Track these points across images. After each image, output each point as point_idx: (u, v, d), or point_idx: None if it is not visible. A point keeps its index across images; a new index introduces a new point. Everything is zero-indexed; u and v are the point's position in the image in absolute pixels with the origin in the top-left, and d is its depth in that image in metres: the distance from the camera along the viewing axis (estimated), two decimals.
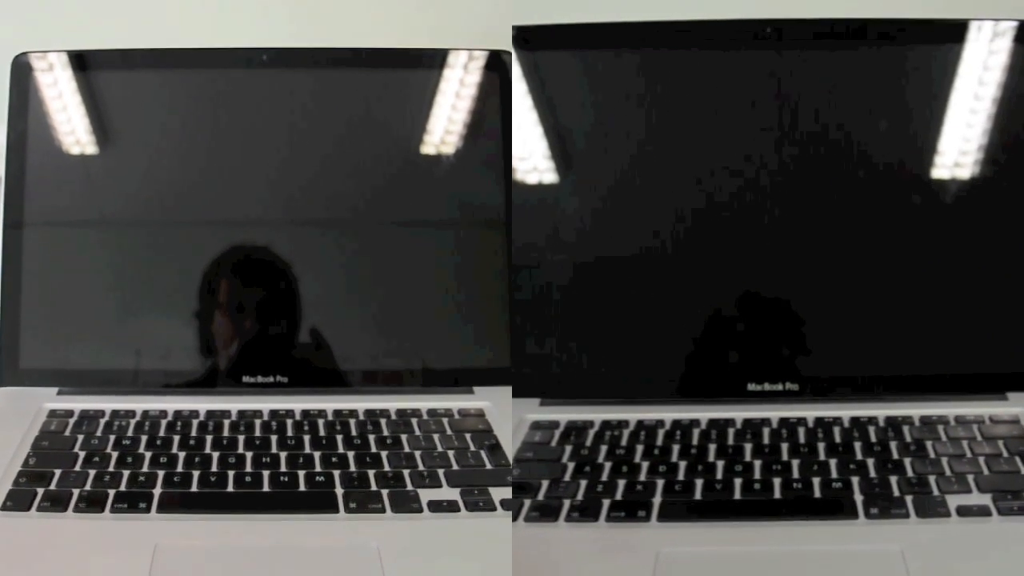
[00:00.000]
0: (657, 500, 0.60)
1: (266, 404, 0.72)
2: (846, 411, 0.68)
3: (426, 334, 0.76)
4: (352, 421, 0.70)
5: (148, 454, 0.66)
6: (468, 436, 0.68)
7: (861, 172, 0.71)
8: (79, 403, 0.72)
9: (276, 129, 0.77)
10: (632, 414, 0.70)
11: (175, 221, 0.76)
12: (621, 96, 0.74)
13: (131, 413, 0.71)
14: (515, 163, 0.75)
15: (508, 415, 0.71)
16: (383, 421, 0.70)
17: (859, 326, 0.71)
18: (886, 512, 0.57)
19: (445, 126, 0.78)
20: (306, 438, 0.68)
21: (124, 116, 0.77)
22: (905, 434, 0.65)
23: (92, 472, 0.63)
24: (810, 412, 0.68)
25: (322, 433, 0.69)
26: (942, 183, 0.71)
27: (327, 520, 0.60)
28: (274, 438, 0.68)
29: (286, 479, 0.63)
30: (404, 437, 0.68)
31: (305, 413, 0.71)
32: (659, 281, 0.73)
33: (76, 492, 0.61)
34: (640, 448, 0.65)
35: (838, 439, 0.65)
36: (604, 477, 0.62)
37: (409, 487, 0.63)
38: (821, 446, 0.65)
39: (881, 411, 0.68)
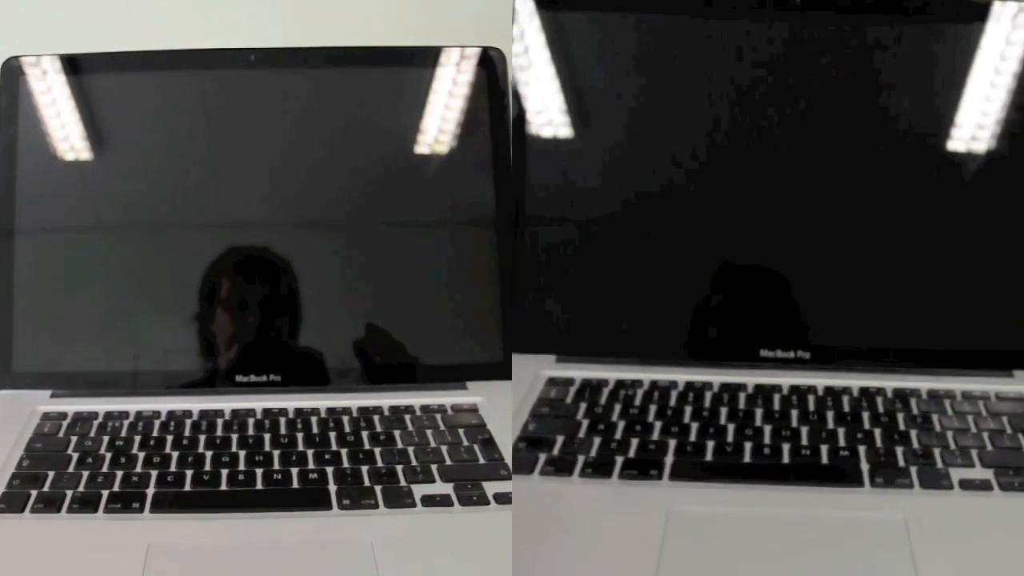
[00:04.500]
0: (669, 460, 0.60)
1: (259, 403, 0.72)
2: (855, 381, 0.69)
3: (420, 331, 0.76)
4: (345, 419, 0.70)
5: (141, 454, 0.65)
6: (461, 431, 0.68)
7: (879, 144, 0.71)
8: (72, 405, 0.72)
9: (268, 130, 0.77)
10: (646, 374, 0.70)
11: (168, 223, 0.76)
12: (638, 58, 0.74)
13: (124, 414, 0.70)
14: (530, 118, 0.74)
15: (502, 410, 0.70)
16: (376, 418, 0.70)
17: (871, 298, 0.71)
18: (891, 481, 0.58)
19: (438, 124, 0.78)
20: (299, 436, 0.68)
21: (116, 119, 0.77)
22: (912, 406, 0.66)
23: (85, 473, 0.63)
24: (820, 380, 0.69)
25: (315, 431, 0.68)
26: (959, 158, 0.71)
27: (320, 517, 0.60)
28: (267, 436, 0.68)
29: (279, 477, 0.63)
30: (397, 433, 0.68)
31: (298, 411, 0.71)
32: (674, 244, 0.73)
33: (69, 493, 0.61)
34: (653, 408, 0.66)
35: (847, 408, 0.66)
36: (618, 435, 0.63)
37: (402, 482, 0.63)
38: (830, 414, 0.65)
39: (889, 383, 0.69)
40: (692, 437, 0.63)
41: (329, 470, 0.64)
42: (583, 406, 0.66)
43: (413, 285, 0.77)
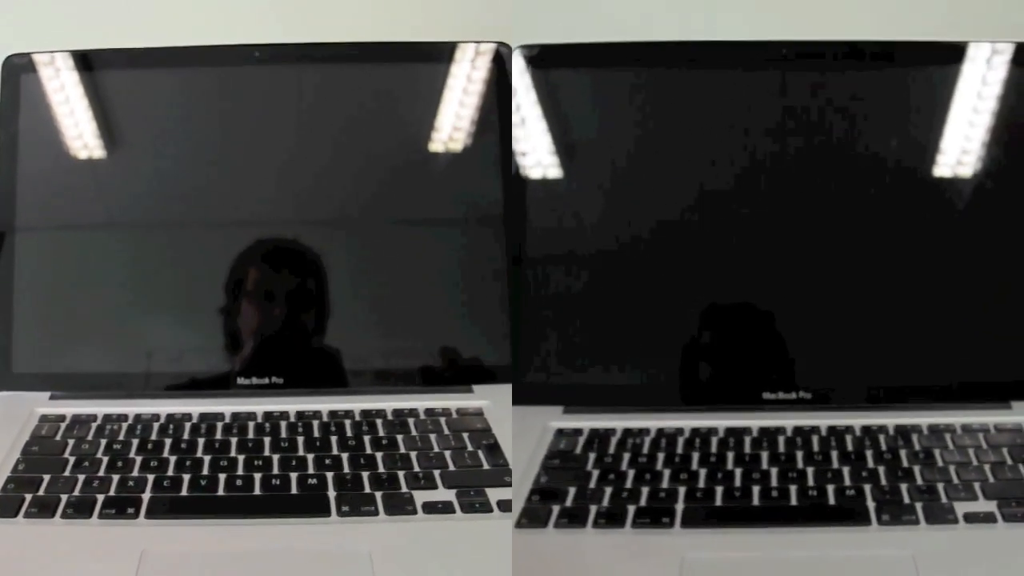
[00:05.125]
0: (680, 507, 0.61)
1: (260, 406, 0.70)
2: (857, 420, 0.70)
3: (426, 332, 0.74)
4: (347, 422, 0.69)
5: (139, 458, 0.64)
6: (466, 436, 0.67)
7: (869, 186, 0.73)
8: (71, 407, 0.70)
9: (279, 126, 0.76)
10: (652, 422, 0.70)
11: (174, 221, 0.75)
12: (628, 110, 0.75)
13: (123, 417, 0.69)
14: (523, 163, 0.75)
15: (508, 414, 0.69)
16: (379, 422, 0.69)
17: (867, 336, 0.72)
18: (897, 519, 0.59)
19: (450, 121, 0.76)
20: (299, 440, 0.66)
21: (118, 115, 0.76)
22: (914, 442, 0.67)
23: (81, 477, 0.62)
24: (823, 420, 0.70)
25: (316, 435, 0.67)
26: (948, 195, 0.73)
27: (319, 524, 0.58)
28: (267, 440, 0.66)
29: (278, 482, 0.62)
30: (400, 438, 0.67)
31: (300, 414, 0.70)
32: (671, 291, 0.74)
33: (64, 498, 0.60)
34: (661, 456, 0.67)
35: (850, 447, 0.66)
36: (628, 484, 0.64)
37: (404, 489, 0.61)
38: (834, 454, 0.66)
39: (890, 419, 0.69)
40: (701, 483, 0.64)
41: (329, 476, 0.62)
42: (592, 456, 0.67)
43: (420, 285, 0.75)
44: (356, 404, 0.71)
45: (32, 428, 0.68)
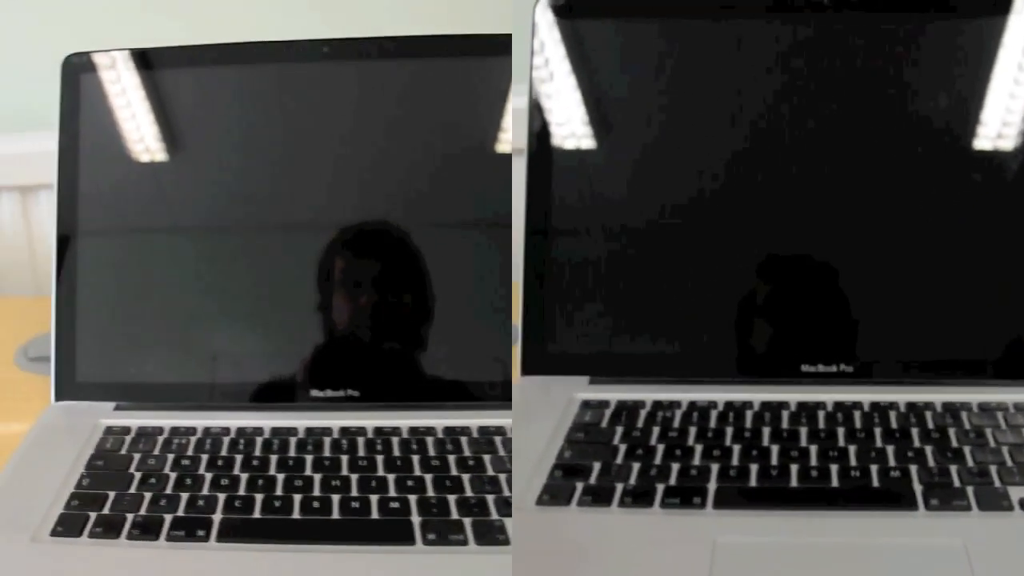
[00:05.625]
0: (712, 486, 0.57)
1: (336, 421, 0.66)
2: (902, 395, 0.65)
3: (504, 345, 0.70)
4: (429, 440, 0.64)
5: (208, 475, 0.60)
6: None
7: (918, 145, 0.67)
8: (137, 419, 0.67)
9: (343, 123, 0.71)
10: (684, 394, 0.66)
11: (240, 227, 0.71)
12: (661, 64, 0.70)
13: (191, 430, 0.65)
14: (549, 121, 0.71)
15: None
16: (463, 440, 0.64)
17: (914, 306, 0.67)
18: (946, 503, 0.55)
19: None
20: (379, 459, 0.62)
21: (179, 114, 0.71)
22: (964, 421, 0.62)
23: (148, 495, 0.58)
24: (865, 396, 0.65)
25: (396, 453, 0.62)
26: (1005, 155, 0.67)
27: (405, 554, 0.54)
28: (344, 459, 0.62)
29: (357, 505, 0.57)
30: (487, 459, 0.62)
31: (378, 431, 0.65)
32: (707, 256, 0.69)
33: (130, 517, 0.56)
34: (693, 431, 0.62)
35: (895, 424, 0.62)
36: (657, 460, 0.60)
37: (493, 516, 0.56)
38: (878, 431, 0.61)
39: (937, 396, 0.64)
40: (735, 461, 0.59)
41: (412, 499, 0.58)
42: (619, 430, 0.63)
43: (500, 292, 0.70)
44: (439, 420, 0.66)
45: (97, 441, 0.64)
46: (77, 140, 0.71)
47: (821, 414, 0.63)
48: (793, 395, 0.65)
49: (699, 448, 0.60)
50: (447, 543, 0.54)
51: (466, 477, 0.60)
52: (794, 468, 0.58)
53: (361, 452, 0.62)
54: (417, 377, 0.69)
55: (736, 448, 0.60)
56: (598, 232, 0.70)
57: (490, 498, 0.57)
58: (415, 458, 0.62)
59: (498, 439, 0.64)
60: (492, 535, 0.54)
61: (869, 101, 0.68)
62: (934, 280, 0.67)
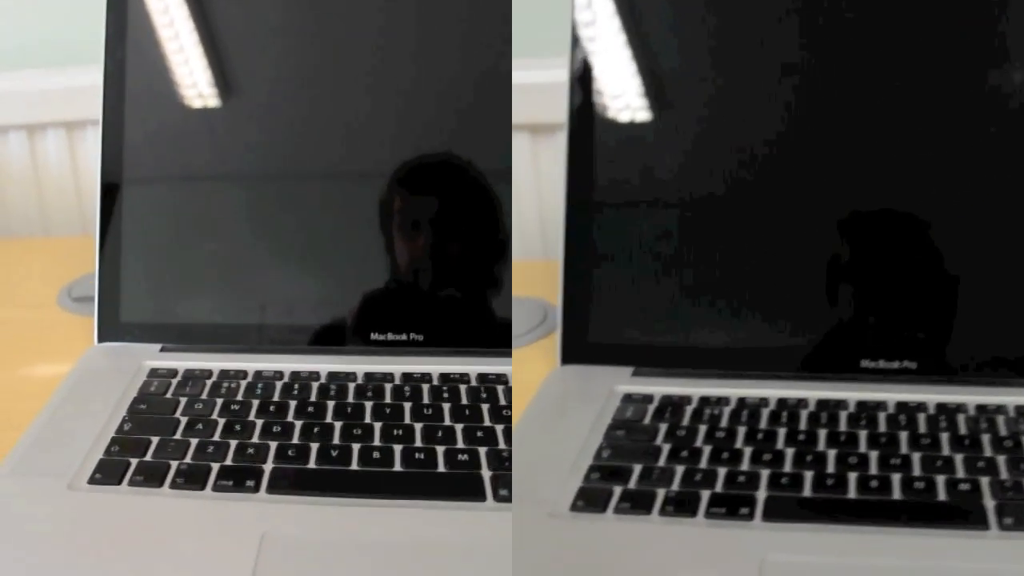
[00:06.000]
0: (762, 495, 0.51)
1: (398, 366, 0.60)
2: (971, 396, 0.57)
3: None
4: (500, 388, 0.58)
5: (259, 422, 0.55)
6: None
7: (994, 121, 0.60)
8: (184, 361, 0.62)
9: (399, 63, 0.65)
10: (733, 389, 0.60)
11: (291, 172, 0.65)
12: (716, 31, 0.63)
13: (242, 373, 0.60)
14: (607, 102, 0.64)
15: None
16: (499, 388, 0.58)
17: (986, 297, 0.60)
18: (1022, 523, 0.48)
19: None
20: (445, 407, 0.56)
21: (231, 45, 0.66)
22: None
23: (194, 442, 0.54)
24: (930, 396, 0.58)
25: (464, 401, 0.57)
26: None
27: (472, 509, 0.48)
28: (407, 406, 0.56)
29: (422, 456, 0.52)
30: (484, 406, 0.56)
31: (444, 377, 0.59)
32: (760, 240, 0.62)
33: (174, 465, 0.52)
34: (742, 431, 0.56)
35: (963, 430, 0.55)
36: (703, 464, 0.53)
37: None
38: (944, 437, 0.54)
39: (1011, 398, 0.57)
40: (787, 467, 0.53)
41: (482, 451, 0.52)
42: (663, 428, 0.56)
43: None
44: (509, 368, 0.60)
45: (140, 383, 0.60)
46: (124, 70, 0.66)
47: (882, 416, 0.56)
48: (852, 393, 0.58)
49: (748, 451, 0.54)
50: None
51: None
52: (852, 477, 0.51)
53: (426, 400, 0.57)
54: (487, 321, 0.63)
55: (789, 452, 0.53)
56: (645, 211, 0.64)
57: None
58: (484, 407, 0.56)
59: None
60: None
61: (943, 62, 0.60)
62: (1009, 266, 0.60)
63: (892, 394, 0.58)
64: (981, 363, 0.59)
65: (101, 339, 0.65)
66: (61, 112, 0.90)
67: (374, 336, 0.63)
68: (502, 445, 0.53)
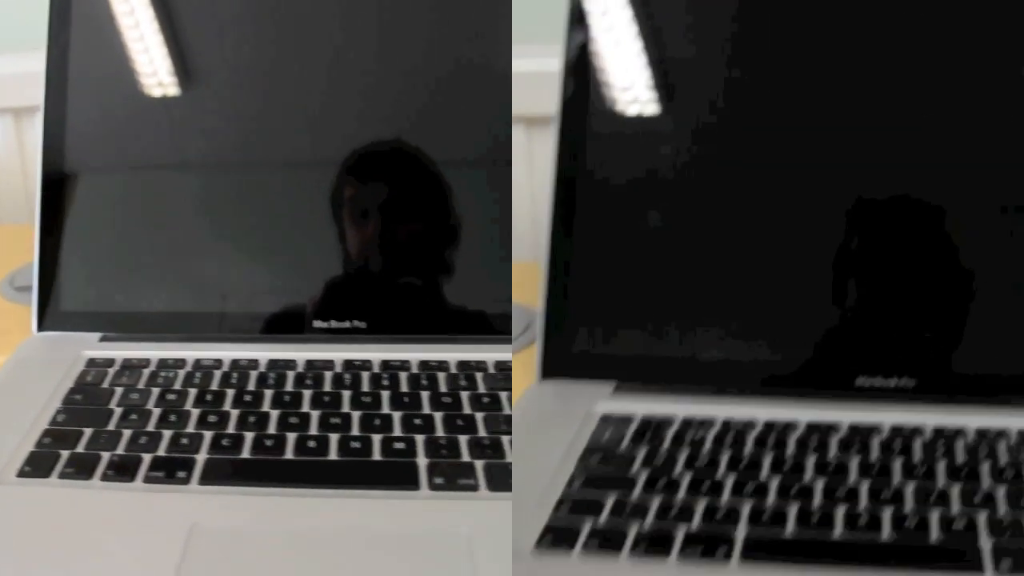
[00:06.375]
0: (740, 533, 0.46)
1: (340, 354, 0.60)
2: (972, 418, 0.54)
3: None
4: (441, 375, 0.58)
5: (196, 411, 0.54)
6: None
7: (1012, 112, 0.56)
8: (123, 351, 0.61)
9: (361, 56, 0.64)
10: (719, 408, 0.56)
11: (237, 160, 0.64)
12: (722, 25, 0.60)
13: (180, 362, 0.59)
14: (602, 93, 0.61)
15: None
16: (479, 376, 0.57)
17: (993, 309, 0.56)
18: (1022, 567, 0.43)
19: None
20: (384, 395, 0.55)
21: (188, 38, 0.65)
22: None
23: (127, 432, 0.52)
24: (928, 417, 0.54)
25: (404, 389, 0.56)
26: None
27: (404, 499, 0.48)
28: (346, 394, 0.56)
29: (358, 445, 0.51)
30: (504, 395, 0.55)
31: (385, 364, 0.59)
32: (750, 245, 0.59)
33: (106, 456, 0.50)
34: (725, 458, 0.52)
35: (960, 459, 0.51)
36: (681, 495, 0.49)
37: (508, 459, 0.50)
38: (941, 467, 0.50)
39: (1014, 421, 0.53)
40: (771, 500, 0.48)
41: (419, 439, 0.51)
42: (642, 453, 0.53)
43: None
44: (452, 354, 0.60)
45: (77, 373, 0.59)
46: (67, 57, 0.64)
47: (876, 441, 0.53)
48: (844, 414, 0.55)
49: (730, 481, 0.50)
50: (455, 488, 0.48)
51: (480, 416, 0.53)
52: (840, 514, 0.47)
53: (365, 387, 0.56)
54: (430, 308, 0.62)
55: (774, 483, 0.49)
56: (629, 214, 0.60)
57: (506, 439, 0.51)
58: (425, 395, 0.55)
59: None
60: (506, 479, 0.48)
61: (964, 58, 0.56)
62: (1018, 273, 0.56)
63: (887, 415, 0.54)
64: (982, 381, 0.56)
65: (40, 328, 0.64)
66: (8, 98, 0.88)
67: (317, 324, 0.62)
68: (440, 432, 0.52)
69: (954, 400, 0.55)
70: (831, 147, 0.59)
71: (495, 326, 0.62)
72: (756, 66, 0.60)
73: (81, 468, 0.50)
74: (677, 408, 0.56)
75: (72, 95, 0.65)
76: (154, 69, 0.65)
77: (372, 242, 0.63)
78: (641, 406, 0.56)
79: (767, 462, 0.51)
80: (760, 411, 0.55)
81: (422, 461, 0.50)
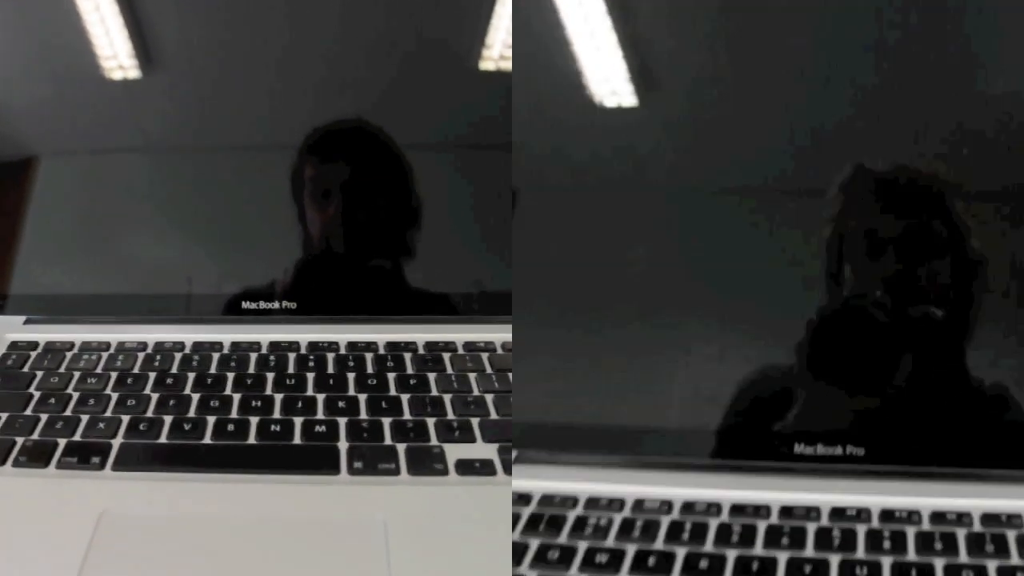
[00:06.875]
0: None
1: (266, 335, 0.59)
2: (925, 499, 0.47)
3: (459, 255, 0.62)
4: (368, 356, 0.56)
5: (114, 395, 0.53)
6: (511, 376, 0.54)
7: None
8: (46, 333, 0.59)
9: (320, 39, 0.63)
10: (631, 485, 0.49)
11: (178, 145, 0.63)
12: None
13: (104, 345, 0.58)
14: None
15: None
16: (407, 356, 0.56)
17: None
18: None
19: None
20: (309, 377, 0.54)
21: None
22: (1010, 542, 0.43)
23: (44, 417, 0.51)
24: (875, 498, 0.47)
25: (330, 371, 0.55)
26: None
27: (325, 484, 0.46)
28: (270, 376, 0.54)
29: (278, 428, 0.50)
30: (432, 377, 0.54)
31: (313, 345, 0.58)
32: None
33: (20, 441, 0.49)
34: (630, 551, 0.45)
35: (913, 552, 0.44)
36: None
37: (433, 441, 0.49)
38: (886, 564, 0.43)
39: (976, 502, 0.46)
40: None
41: (342, 422, 0.50)
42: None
43: (448, 205, 0.62)
44: (381, 335, 0.58)
45: None
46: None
47: (811, 528, 0.45)
48: (776, 494, 0.48)
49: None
50: (376, 472, 0.47)
51: (405, 398, 0.52)
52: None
53: (290, 369, 0.55)
54: (361, 288, 0.61)
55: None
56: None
57: (431, 421, 0.50)
58: (350, 376, 0.54)
59: (447, 356, 0.56)
60: (428, 464, 0.47)
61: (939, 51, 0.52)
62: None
63: (825, 494, 0.47)
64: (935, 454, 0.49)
65: None
66: None
67: (246, 305, 0.61)
68: (363, 415, 0.51)
69: (899, 476, 0.49)
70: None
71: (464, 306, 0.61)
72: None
73: None
74: (584, 485, 0.49)
75: (20, 77, 0.63)
76: (114, 52, 0.63)
77: (301, 224, 0.61)
78: (544, 483, 0.49)
79: (679, 558, 0.44)
80: (675, 489, 0.48)
81: (343, 446, 0.49)
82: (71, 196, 0.64)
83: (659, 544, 0.45)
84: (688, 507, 0.47)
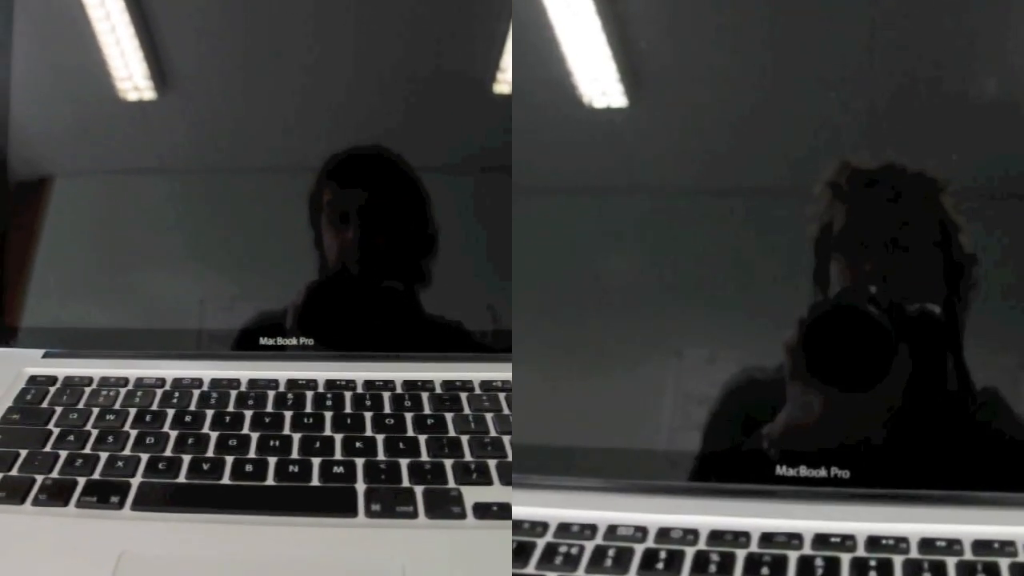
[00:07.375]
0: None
1: (284, 372, 0.59)
2: (913, 524, 0.45)
3: (479, 292, 0.62)
4: (386, 395, 0.57)
5: (133, 432, 0.53)
6: None
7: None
8: (65, 368, 0.60)
9: (338, 62, 0.64)
10: (609, 511, 0.47)
11: (194, 167, 0.63)
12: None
13: (122, 381, 0.58)
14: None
15: None
16: (424, 396, 0.57)
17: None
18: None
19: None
20: (327, 416, 0.54)
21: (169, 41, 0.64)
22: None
23: (63, 454, 0.51)
24: (861, 524, 0.45)
25: (348, 410, 0.55)
26: None
27: (343, 527, 0.47)
28: (288, 416, 0.55)
29: (296, 469, 0.50)
30: (449, 417, 0.55)
31: (330, 384, 0.58)
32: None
33: (39, 480, 0.49)
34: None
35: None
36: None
37: (451, 484, 0.49)
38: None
39: (967, 528, 0.44)
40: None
41: (359, 463, 0.50)
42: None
43: (465, 231, 0.63)
44: (398, 374, 0.59)
45: (17, 392, 0.57)
46: (10, 59, 0.63)
47: (792, 558, 0.43)
48: (757, 520, 0.46)
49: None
50: (393, 515, 0.47)
51: (423, 439, 0.52)
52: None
53: (308, 408, 0.55)
54: (379, 326, 0.62)
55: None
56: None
57: (448, 463, 0.50)
58: (368, 416, 0.55)
59: (464, 395, 0.57)
60: (446, 507, 0.47)
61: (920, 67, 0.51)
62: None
63: (809, 520, 0.46)
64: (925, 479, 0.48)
65: None
66: None
67: (263, 341, 0.61)
68: (381, 456, 0.51)
69: (888, 500, 0.47)
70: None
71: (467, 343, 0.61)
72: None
73: (13, 492, 0.48)
74: (565, 511, 0.48)
75: (15, 101, 0.63)
76: (129, 73, 0.64)
77: (321, 259, 0.62)
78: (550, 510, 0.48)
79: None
80: (656, 515, 0.47)
81: (360, 487, 0.49)
82: (87, 218, 0.65)
83: (632, 575, 0.43)
84: (664, 533, 0.45)
